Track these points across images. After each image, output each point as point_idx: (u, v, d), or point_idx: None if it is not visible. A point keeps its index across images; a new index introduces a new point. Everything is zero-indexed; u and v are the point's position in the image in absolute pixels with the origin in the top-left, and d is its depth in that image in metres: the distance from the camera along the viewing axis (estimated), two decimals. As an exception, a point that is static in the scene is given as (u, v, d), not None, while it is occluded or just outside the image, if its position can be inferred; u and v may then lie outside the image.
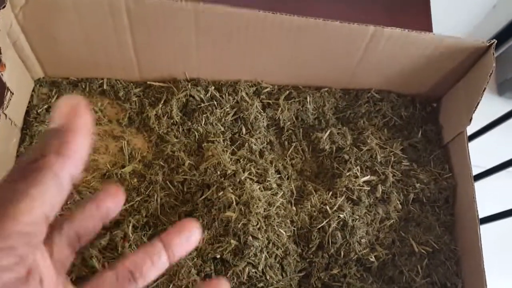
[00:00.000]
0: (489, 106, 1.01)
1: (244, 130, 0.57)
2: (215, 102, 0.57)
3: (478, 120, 0.71)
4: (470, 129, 0.67)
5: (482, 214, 0.54)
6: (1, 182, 0.19)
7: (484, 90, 0.50)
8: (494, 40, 0.51)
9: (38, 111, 0.54)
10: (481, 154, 0.87)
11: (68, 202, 0.50)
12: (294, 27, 0.50)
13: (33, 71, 0.54)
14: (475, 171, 0.55)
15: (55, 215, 0.20)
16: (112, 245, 0.48)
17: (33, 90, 0.55)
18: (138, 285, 0.27)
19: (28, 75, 0.54)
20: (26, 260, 0.18)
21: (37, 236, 0.19)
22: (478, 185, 0.53)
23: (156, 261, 0.27)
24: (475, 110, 0.52)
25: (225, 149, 0.54)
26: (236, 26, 0.50)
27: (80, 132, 0.20)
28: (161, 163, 0.54)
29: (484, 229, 0.54)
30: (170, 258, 0.28)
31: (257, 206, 0.48)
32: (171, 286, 0.46)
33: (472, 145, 0.55)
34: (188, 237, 0.28)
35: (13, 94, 0.48)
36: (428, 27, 0.68)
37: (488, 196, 0.82)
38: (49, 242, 0.24)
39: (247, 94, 0.58)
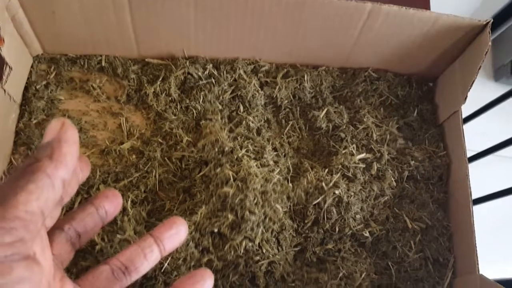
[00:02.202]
0: (485, 92, 1.02)
1: (241, 108, 0.57)
2: (213, 80, 0.57)
3: (475, 105, 0.72)
4: (464, 114, 0.67)
5: (473, 196, 0.55)
6: (5, 181, 0.23)
7: (479, 68, 0.51)
8: (491, 18, 0.51)
9: (37, 87, 0.54)
10: (474, 138, 0.88)
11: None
12: (292, 3, 0.50)
13: (32, 48, 0.54)
14: (468, 155, 0.56)
15: (48, 213, 0.23)
16: (111, 219, 0.49)
17: (31, 67, 0.55)
18: (132, 278, 0.29)
19: (27, 51, 0.54)
20: (25, 243, 0.21)
21: (34, 224, 0.22)
22: (470, 169, 0.53)
23: (148, 255, 0.29)
24: (470, 88, 0.52)
25: (222, 126, 0.55)
26: (235, 3, 0.50)
27: (68, 141, 0.24)
28: (160, 140, 0.54)
29: (476, 208, 0.55)
30: (161, 252, 0.30)
31: (254, 182, 0.49)
32: (169, 258, 0.46)
33: (465, 130, 0.55)
34: (178, 231, 0.30)
35: (12, 69, 0.49)
36: (425, 5, 0.69)
37: (477, 180, 0.83)
38: (50, 239, 0.27)
39: (245, 72, 0.58)
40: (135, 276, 0.29)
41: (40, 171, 0.22)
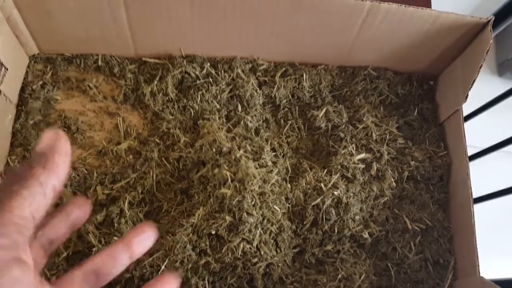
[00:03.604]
0: (489, 87, 1.01)
1: (239, 107, 0.56)
2: (211, 79, 0.56)
3: (478, 101, 0.70)
4: (468, 109, 0.66)
5: (476, 194, 0.54)
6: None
7: (480, 67, 0.50)
8: (492, 16, 0.50)
9: (33, 87, 0.54)
10: (478, 135, 0.87)
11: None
12: (290, 2, 0.49)
13: (28, 47, 0.54)
14: (471, 151, 0.55)
15: (39, 219, 0.24)
16: (108, 221, 0.49)
17: (28, 66, 0.55)
18: (102, 283, 0.30)
19: (23, 51, 0.54)
20: (18, 246, 0.22)
21: (26, 229, 0.23)
22: (473, 166, 0.53)
23: (118, 260, 0.30)
24: (471, 87, 0.52)
25: (220, 126, 0.54)
26: (232, 1, 0.49)
27: (61, 153, 0.25)
28: (157, 140, 0.54)
29: (478, 208, 0.54)
30: (131, 256, 0.31)
31: (252, 183, 0.48)
32: (166, 261, 0.46)
33: (470, 126, 0.55)
34: (147, 236, 0.31)
35: (7, 69, 0.48)
36: (426, 3, 0.68)
37: (483, 176, 0.82)
38: None
39: (243, 71, 0.57)
40: (106, 280, 0.31)
41: (33, 179, 0.24)
